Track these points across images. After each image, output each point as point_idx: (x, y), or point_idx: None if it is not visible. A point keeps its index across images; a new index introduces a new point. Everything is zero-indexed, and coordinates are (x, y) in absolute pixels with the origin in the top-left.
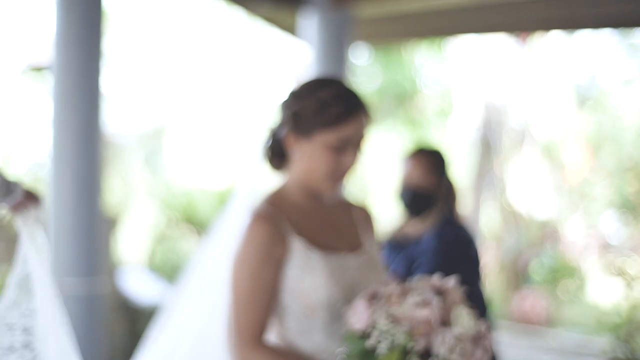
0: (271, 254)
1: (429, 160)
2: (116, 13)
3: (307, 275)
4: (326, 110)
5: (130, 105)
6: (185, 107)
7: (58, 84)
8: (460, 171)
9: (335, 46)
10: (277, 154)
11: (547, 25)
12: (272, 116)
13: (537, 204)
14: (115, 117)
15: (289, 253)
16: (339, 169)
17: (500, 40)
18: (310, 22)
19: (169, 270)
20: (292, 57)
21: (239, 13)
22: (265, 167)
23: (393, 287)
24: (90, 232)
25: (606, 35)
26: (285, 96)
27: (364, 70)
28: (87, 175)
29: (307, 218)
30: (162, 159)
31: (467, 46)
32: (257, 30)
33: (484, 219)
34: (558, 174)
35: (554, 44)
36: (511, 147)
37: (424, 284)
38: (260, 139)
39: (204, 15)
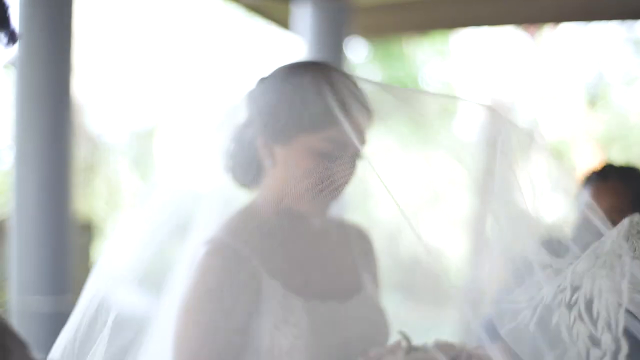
0: (232, 304)
1: (623, 185)
2: (106, 10)
3: (282, 333)
4: (310, 103)
5: (119, 104)
6: (176, 106)
7: (21, 78)
8: (466, 173)
9: (331, 39)
10: (244, 165)
11: (559, 17)
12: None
13: (545, 208)
14: (102, 116)
15: (258, 302)
16: (330, 184)
17: (507, 34)
18: (303, 12)
19: (157, 280)
20: (283, 52)
21: (226, 5)
22: (230, 180)
23: (400, 357)
24: (59, 245)
25: (613, 32)
26: (251, 85)
27: (362, 67)
28: (55, 180)
29: (285, 252)
30: (152, 161)
31: (472, 40)
32: (245, 23)
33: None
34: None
35: (564, 38)
36: (519, 146)
37: (443, 351)
38: (221, 143)
39: (192, 9)
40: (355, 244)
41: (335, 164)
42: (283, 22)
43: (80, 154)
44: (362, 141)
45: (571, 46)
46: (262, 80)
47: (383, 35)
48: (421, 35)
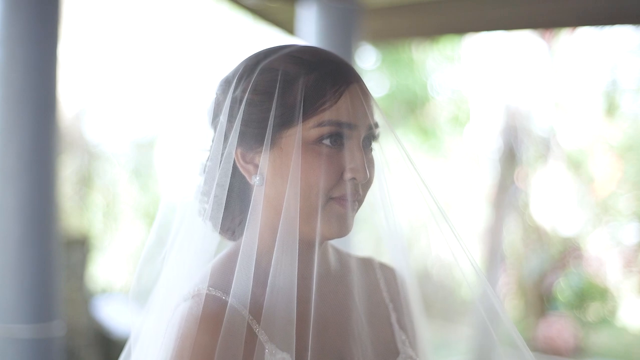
0: None
1: None
2: (109, 18)
3: None
4: (288, 89)
5: (119, 113)
6: (177, 116)
7: (3, 87)
8: (479, 184)
9: (338, 44)
10: (222, 195)
11: (575, 21)
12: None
13: (561, 220)
14: (101, 125)
15: None
16: (344, 179)
17: (522, 39)
18: (308, 14)
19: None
20: None
21: (230, 10)
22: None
23: None
24: (43, 270)
25: (628, 39)
26: (211, 91)
27: (371, 74)
28: (39, 196)
29: (296, 309)
30: (152, 172)
31: (484, 45)
32: (250, 29)
33: (505, 236)
34: (585, 187)
35: (580, 44)
36: (536, 156)
37: None
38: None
39: (194, 18)
40: (385, 286)
41: (344, 152)
42: (288, 26)
43: (76, 164)
44: (368, 118)
45: (587, 52)
46: (225, 81)
47: (392, 39)
48: (432, 39)
